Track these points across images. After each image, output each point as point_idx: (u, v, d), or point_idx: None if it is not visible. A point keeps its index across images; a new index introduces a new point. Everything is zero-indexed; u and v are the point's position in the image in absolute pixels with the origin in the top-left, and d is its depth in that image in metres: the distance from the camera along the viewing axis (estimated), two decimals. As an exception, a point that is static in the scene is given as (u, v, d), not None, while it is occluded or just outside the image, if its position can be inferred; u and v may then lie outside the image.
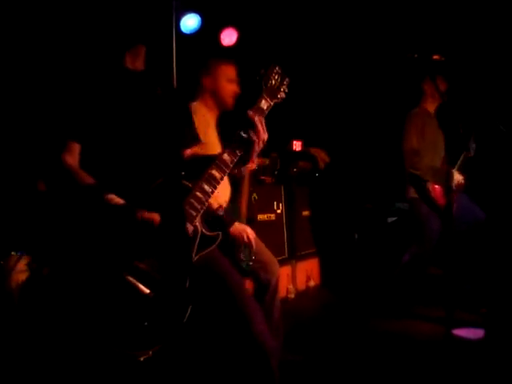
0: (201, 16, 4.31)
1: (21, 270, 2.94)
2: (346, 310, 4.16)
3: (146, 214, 1.62)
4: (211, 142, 2.58)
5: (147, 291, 1.61)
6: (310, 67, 4.96)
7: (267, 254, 2.90)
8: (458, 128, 2.68)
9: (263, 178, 4.57)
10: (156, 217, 1.62)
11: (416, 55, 2.47)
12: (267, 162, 4.60)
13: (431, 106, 4.01)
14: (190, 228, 1.69)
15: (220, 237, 1.82)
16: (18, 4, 3.06)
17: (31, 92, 3.08)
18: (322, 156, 5.18)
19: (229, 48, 4.47)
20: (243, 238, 2.64)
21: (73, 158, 1.72)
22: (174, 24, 1.03)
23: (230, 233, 2.62)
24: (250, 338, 1.81)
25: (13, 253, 2.96)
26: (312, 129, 5.43)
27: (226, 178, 2.91)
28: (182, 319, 1.63)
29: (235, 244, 2.67)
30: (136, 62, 1.86)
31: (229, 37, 4.57)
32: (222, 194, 2.82)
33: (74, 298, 1.64)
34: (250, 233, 2.66)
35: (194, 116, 2.72)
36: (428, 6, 4.07)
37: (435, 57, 2.46)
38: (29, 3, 3.07)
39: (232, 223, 2.64)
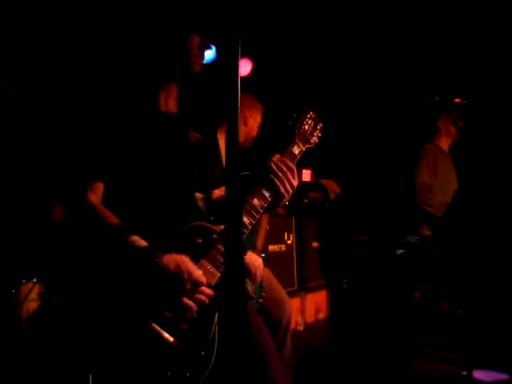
0: (216, 46, 4.35)
1: (32, 299, 2.92)
2: (356, 345, 4.10)
3: (170, 258, 1.55)
4: None
5: (171, 340, 1.53)
6: (322, 98, 4.99)
7: (281, 293, 2.86)
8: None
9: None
10: (182, 260, 1.56)
11: (437, 98, 2.48)
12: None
13: (445, 143, 4.01)
14: (217, 275, 1.63)
15: (246, 282, 1.79)
16: (54, 40, 3.09)
17: (59, 126, 3.09)
18: (332, 187, 5.17)
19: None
20: (254, 269, 2.60)
21: (96, 196, 1.64)
22: (238, 64, 1.01)
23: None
24: None
25: (24, 281, 2.94)
26: (322, 158, 5.44)
27: None
28: (206, 370, 1.58)
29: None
30: (169, 103, 1.80)
31: (243, 67, 4.60)
32: None
33: (89, 336, 1.58)
34: (259, 266, 2.62)
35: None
36: (448, 48, 4.12)
37: (457, 100, 2.47)
38: (65, 39, 3.10)
39: (245, 252, 2.61)
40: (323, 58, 4.76)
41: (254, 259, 2.59)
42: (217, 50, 2.01)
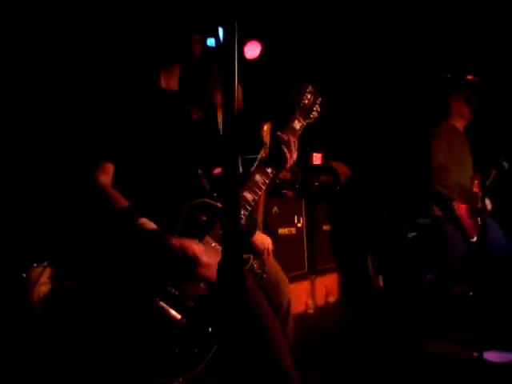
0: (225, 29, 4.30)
1: (43, 283, 2.93)
2: (366, 328, 4.09)
3: (177, 241, 1.58)
4: None
5: (179, 317, 1.57)
6: (332, 79, 4.93)
7: (280, 274, 2.87)
8: (492, 150, 2.62)
9: (284, 191, 4.53)
10: (188, 244, 1.58)
11: (449, 75, 2.43)
12: (288, 175, 4.57)
13: (460, 123, 3.89)
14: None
15: (251, 260, 1.79)
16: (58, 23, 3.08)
17: (67, 108, 3.09)
18: (343, 170, 5.13)
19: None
20: (264, 248, 2.62)
21: (106, 177, 1.67)
22: (236, 47, 1.00)
23: (252, 242, 2.60)
24: (276, 368, 1.76)
25: (35, 264, 2.95)
26: (333, 141, 5.40)
27: None
28: (213, 346, 1.60)
29: (254, 253, 2.64)
30: (171, 82, 1.83)
31: (252, 50, 4.55)
32: None
33: (100, 316, 1.59)
34: (268, 245, 2.65)
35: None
36: (459, 26, 4.03)
37: (469, 77, 2.41)
38: (68, 21, 3.09)
39: (253, 233, 2.64)
40: (336, 41, 4.70)
41: (262, 238, 2.64)
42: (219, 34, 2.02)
